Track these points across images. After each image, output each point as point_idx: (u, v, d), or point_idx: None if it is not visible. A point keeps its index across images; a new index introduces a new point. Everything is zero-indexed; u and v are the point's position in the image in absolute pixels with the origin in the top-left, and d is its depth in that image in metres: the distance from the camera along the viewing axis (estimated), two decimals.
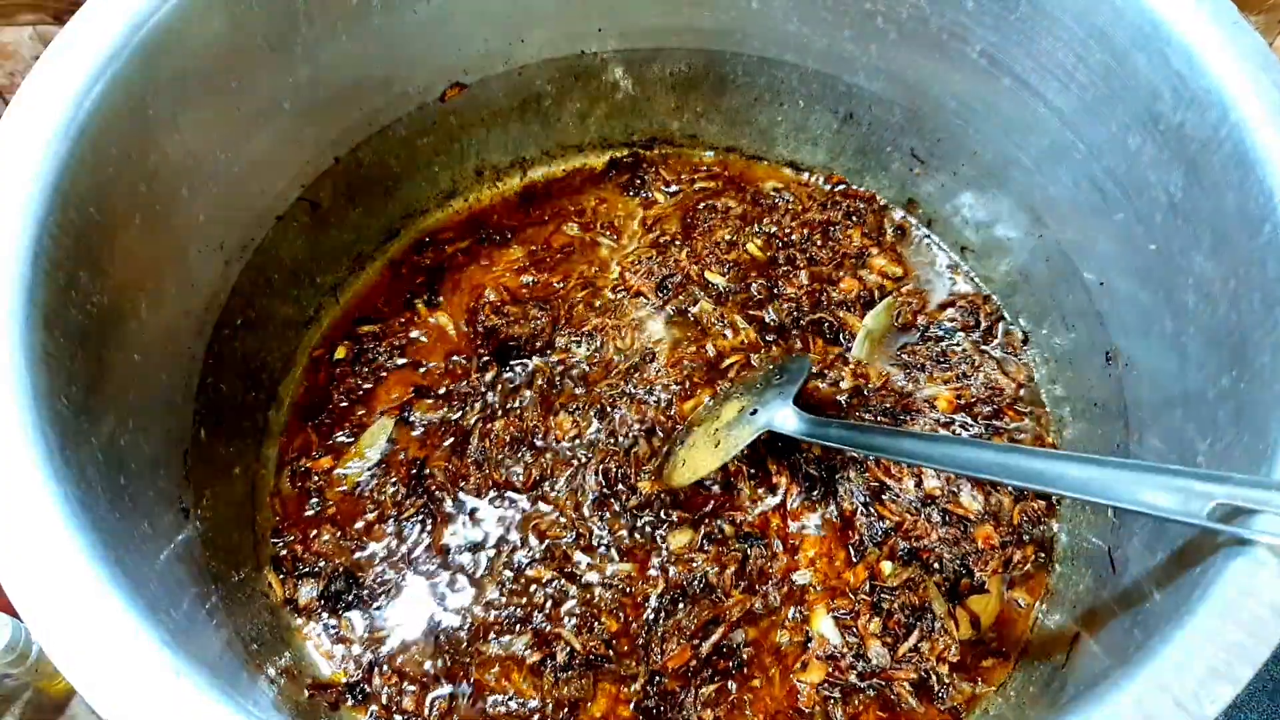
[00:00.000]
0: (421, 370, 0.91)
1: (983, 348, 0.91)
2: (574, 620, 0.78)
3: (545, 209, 1.01)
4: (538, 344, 0.91)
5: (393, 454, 0.86)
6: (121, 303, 0.65)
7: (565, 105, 0.99)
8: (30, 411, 0.53)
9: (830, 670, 0.75)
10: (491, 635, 0.78)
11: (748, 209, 0.99)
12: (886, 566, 0.79)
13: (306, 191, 0.86)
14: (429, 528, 0.82)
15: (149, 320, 0.68)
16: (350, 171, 0.89)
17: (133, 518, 0.61)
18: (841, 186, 1.01)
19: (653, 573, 0.80)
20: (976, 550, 0.80)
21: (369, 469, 0.85)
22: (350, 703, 0.76)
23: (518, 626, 0.78)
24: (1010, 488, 0.82)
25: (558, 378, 0.89)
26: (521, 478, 0.84)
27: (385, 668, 0.77)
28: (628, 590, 0.79)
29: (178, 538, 0.68)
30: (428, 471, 0.84)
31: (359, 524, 0.83)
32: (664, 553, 0.80)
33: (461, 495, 0.83)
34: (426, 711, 0.76)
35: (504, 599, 0.79)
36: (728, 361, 0.89)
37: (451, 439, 0.86)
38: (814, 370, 0.88)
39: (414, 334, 0.93)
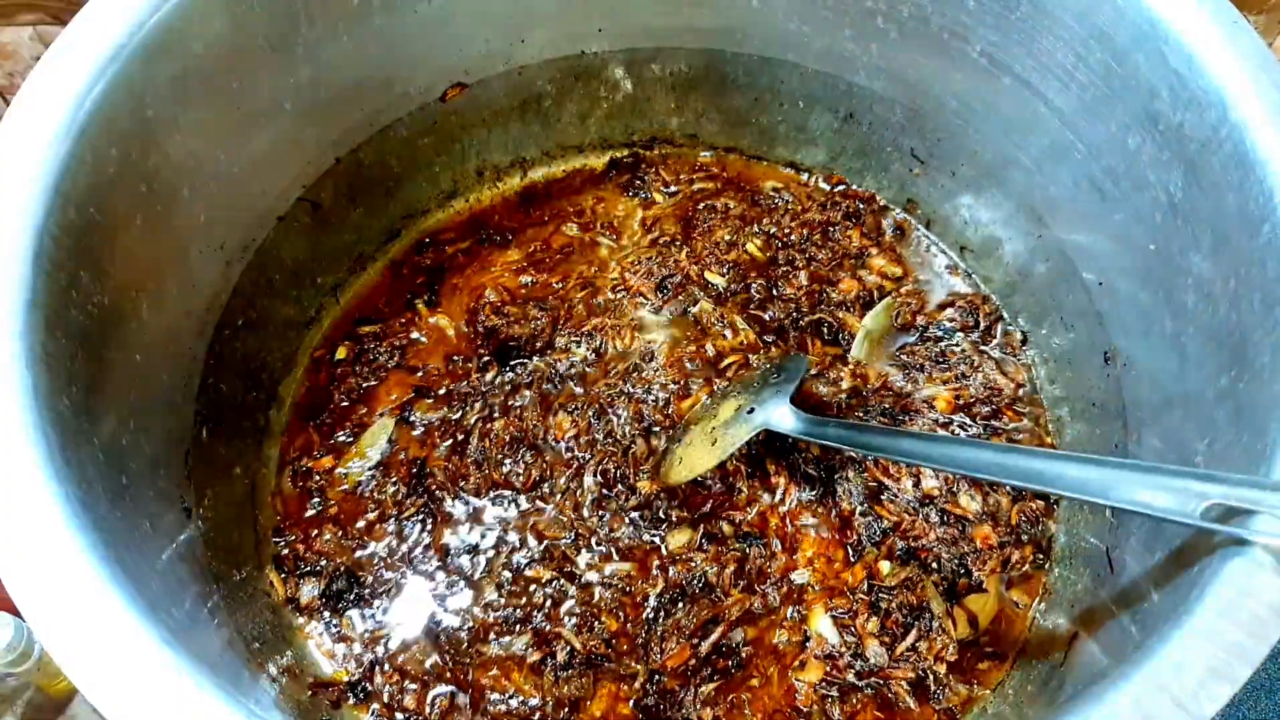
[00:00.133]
0: (422, 370, 0.91)
1: (982, 348, 0.91)
2: (574, 619, 0.78)
3: (545, 209, 1.02)
4: (538, 344, 0.91)
5: (393, 454, 0.86)
6: (122, 303, 0.65)
7: (566, 105, 0.99)
8: (31, 411, 0.53)
9: (828, 669, 0.76)
10: (492, 635, 0.78)
11: (747, 209, 0.99)
12: (885, 566, 0.79)
13: (307, 192, 0.86)
14: (429, 527, 0.82)
15: (150, 320, 0.68)
16: (351, 172, 0.89)
17: (134, 517, 0.61)
18: (841, 187, 1.01)
19: (652, 572, 0.80)
20: (975, 550, 0.80)
21: (370, 468, 0.85)
22: (352, 701, 0.77)
23: (518, 626, 0.78)
24: (1008, 488, 0.82)
25: (557, 378, 0.89)
26: (521, 478, 0.84)
27: (386, 666, 0.77)
28: (627, 589, 0.79)
29: (179, 537, 0.68)
30: (428, 471, 0.85)
31: (360, 523, 0.83)
32: (663, 552, 0.80)
33: (462, 495, 0.84)
34: (428, 710, 0.76)
35: (503, 599, 0.79)
36: (727, 361, 0.90)
37: (451, 439, 0.86)
38: (813, 371, 0.89)
39: (414, 334, 0.93)
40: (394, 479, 0.84)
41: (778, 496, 0.83)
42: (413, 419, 0.88)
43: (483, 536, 0.82)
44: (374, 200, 0.94)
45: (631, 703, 0.75)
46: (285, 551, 0.82)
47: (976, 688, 0.76)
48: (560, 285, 0.95)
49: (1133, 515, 0.65)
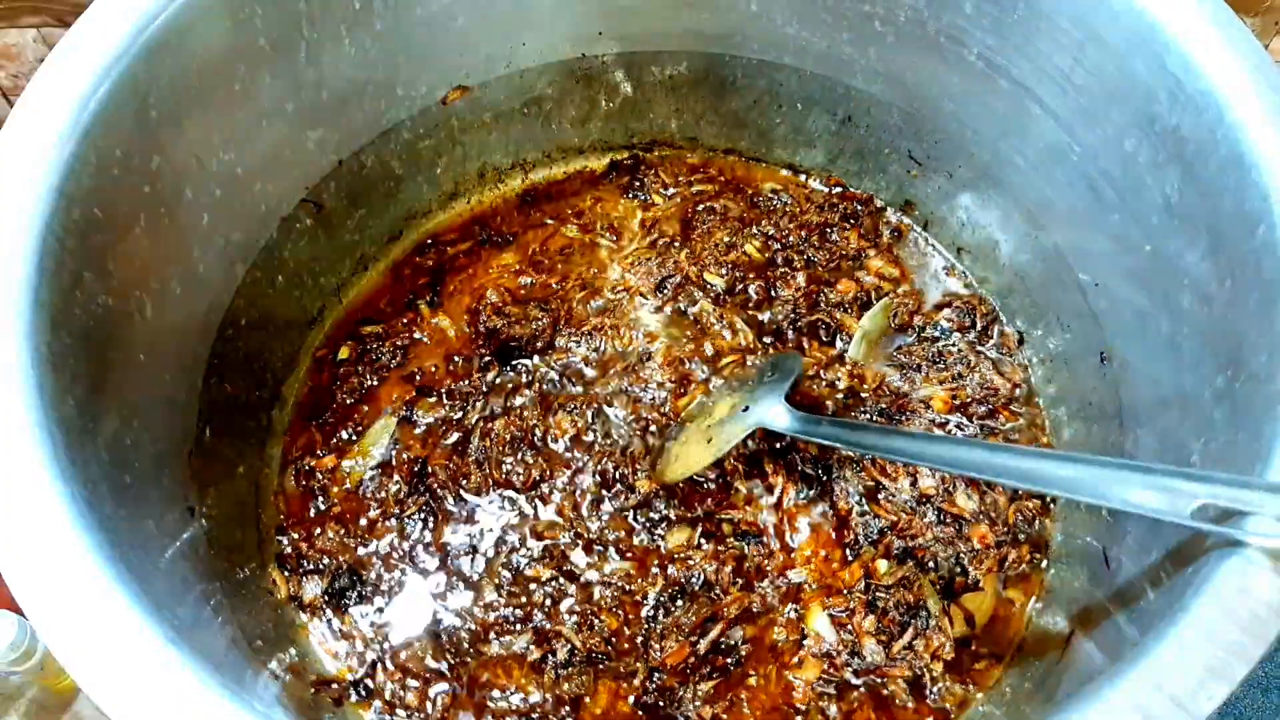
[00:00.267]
0: (423, 371, 0.91)
1: (978, 348, 0.91)
2: (574, 618, 0.78)
3: (546, 211, 1.02)
4: (538, 344, 0.91)
5: (395, 453, 0.86)
6: (126, 303, 0.65)
7: (566, 108, 1.00)
8: (36, 411, 0.53)
9: (825, 667, 0.76)
10: (492, 634, 0.78)
11: (746, 211, 1.00)
12: (881, 565, 0.79)
13: (310, 193, 0.86)
14: (430, 526, 0.83)
15: (153, 321, 0.68)
16: (353, 173, 0.90)
17: (138, 516, 0.62)
18: (839, 189, 1.02)
19: (651, 571, 0.80)
20: (971, 549, 0.80)
21: (372, 467, 0.86)
22: (354, 699, 0.77)
23: (518, 624, 0.78)
24: (1004, 487, 0.83)
25: (557, 378, 0.90)
26: (521, 477, 0.84)
27: (389, 664, 0.78)
28: (627, 588, 0.79)
29: (182, 536, 0.69)
30: (429, 470, 0.85)
31: (362, 522, 0.84)
32: (662, 551, 0.81)
33: (463, 494, 0.84)
34: (429, 707, 0.76)
35: (503, 598, 0.79)
36: (724, 361, 0.90)
37: (453, 438, 0.87)
38: (811, 371, 0.89)
39: (416, 335, 0.94)
40: (396, 478, 0.85)
41: (775, 495, 0.83)
42: (415, 418, 0.88)
43: (483, 536, 0.82)
44: (376, 201, 0.95)
45: (631, 700, 0.75)
46: (288, 550, 0.83)
47: (973, 687, 0.76)
48: (560, 286, 0.96)
49: (1129, 514, 0.65)
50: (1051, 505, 0.83)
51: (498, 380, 0.90)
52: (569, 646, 0.77)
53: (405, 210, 0.99)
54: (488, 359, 0.91)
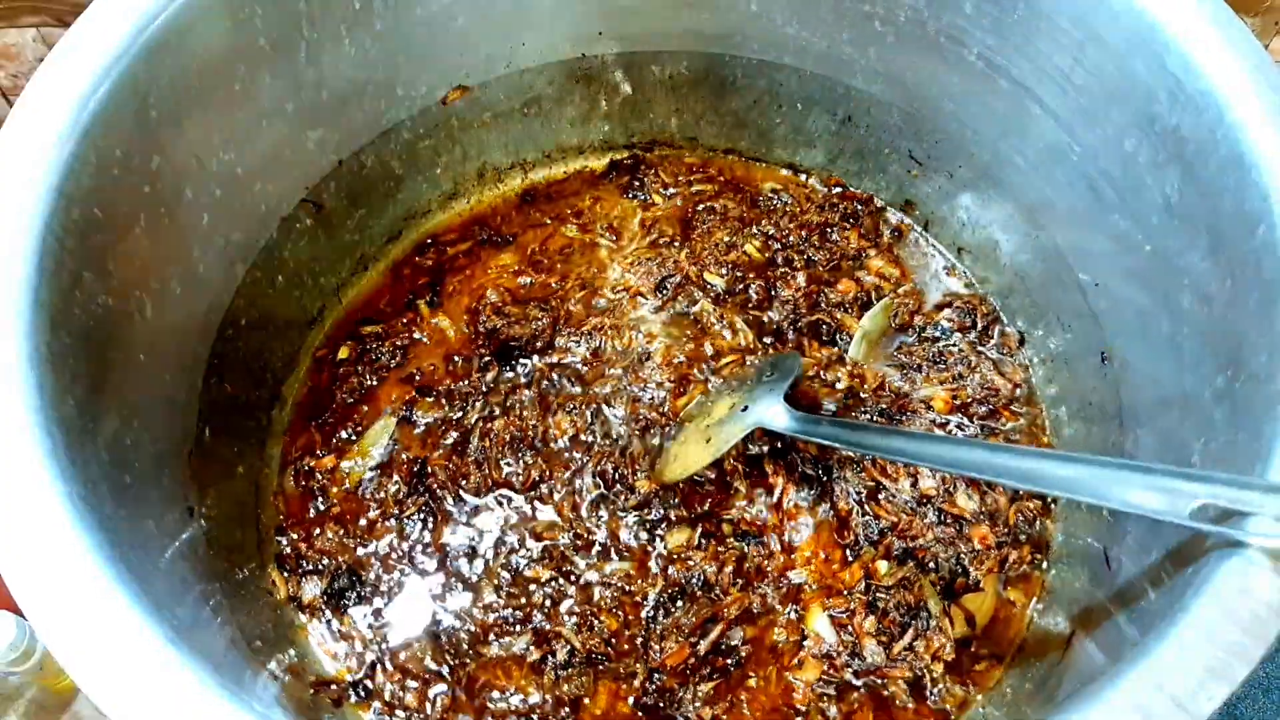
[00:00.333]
0: (423, 371, 0.91)
1: (979, 348, 0.91)
2: (574, 619, 0.78)
3: (546, 210, 1.02)
4: (538, 344, 0.91)
5: (395, 453, 0.86)
6: (126, 303, 0.65)
7: (566, 108, 1.00)
8: (36, 411, 0.53)
9: (825, 668, 0.76)
10: (492, 634, 0.78)
11: (746, 211, 1.00)
12: (882, 566, 0.79)
13: (310, 193, 0.86)
14: (430, 526, 0.83)
15: (153, 321, 0.68)
16: (353, 174, 0.90)
17: (137, 516, 0.62)
18: (839, 188, 1.02)
19: (651, 571, 0.80)
20: (972, 550, 0.80)
21: (372, 467, 0.86)
22: (353, 699, 0.77)
23: (517, 625, 0.78)
24: (1004, 487, 0.83)
25: (557, 378, 0.90)
26: (521, 477, 0.84)
27: (388, 664, 0.78)
28: (627, 589, 0.79)
29: (182, 536, 0.69)
30: (429, 470, 0.85)
31: (362, 522, 0.83)
32: (662, 551, 0.81)
33: (462, 494, 0.84)
34: (428, 708, 0.76)
35: (503, 599, 0.79)
36: (724, 360, 0.90)
37: (452, 438, 0.87)
38: (811, 371, 0.89)
39: (416, 335, 0.94)
40: (395, 478, 0.85)
41: (776, 496, 0.83)
42: (414, 418, 0.88)
43: (482, 536, 0.82)
44: (376, 201, 0.95)
45: (631, 701, 0.75)
46: (287, 550, 0.83)
47: (973, 687, 0.76)
48: (560, 286, 0.96)
49: (1129, 515, 0.65)
50: (1052, 506, 0.83)
51: (497, 380, 0.90)
52: (569, 647, 0.77)
53: (405, 210, 0.99)
54: (487, 359, 0.91)
